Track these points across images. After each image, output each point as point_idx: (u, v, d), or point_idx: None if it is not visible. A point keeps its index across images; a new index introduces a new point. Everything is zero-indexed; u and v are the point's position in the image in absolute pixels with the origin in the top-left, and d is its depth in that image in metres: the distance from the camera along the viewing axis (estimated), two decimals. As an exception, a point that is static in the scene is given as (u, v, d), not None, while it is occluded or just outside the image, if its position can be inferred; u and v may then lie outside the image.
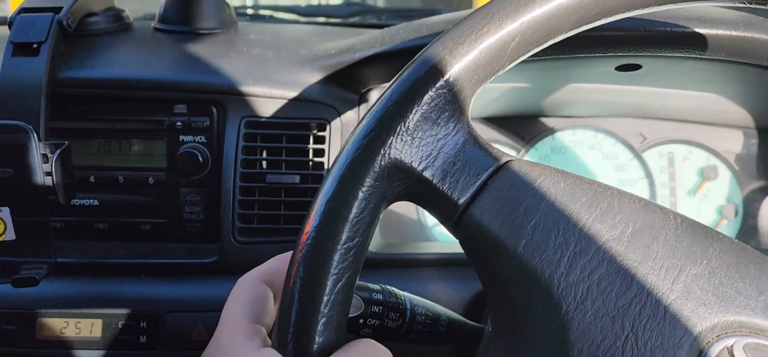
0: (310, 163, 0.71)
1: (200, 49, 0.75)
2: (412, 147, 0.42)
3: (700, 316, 0.41)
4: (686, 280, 0.41)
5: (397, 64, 0.69)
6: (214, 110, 0.71)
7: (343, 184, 0.41)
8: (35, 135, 0.61)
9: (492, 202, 0.42)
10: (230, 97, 0.71)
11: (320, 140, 0.71)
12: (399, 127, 0.42)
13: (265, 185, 0.70)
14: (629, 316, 0.40)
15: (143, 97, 0.71)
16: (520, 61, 0.45)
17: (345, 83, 0.73)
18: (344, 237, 0.41)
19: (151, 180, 0.72)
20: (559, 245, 0.41)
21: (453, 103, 0.43)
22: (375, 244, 0.73)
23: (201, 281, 0.70)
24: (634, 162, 0.83)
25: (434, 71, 0.42)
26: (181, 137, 0.71)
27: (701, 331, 0.40)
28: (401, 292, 0.55)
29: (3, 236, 0.63)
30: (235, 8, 0.95)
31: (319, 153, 0.71)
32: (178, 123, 0.71)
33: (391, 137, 0.42)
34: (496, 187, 0.43)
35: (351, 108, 0.73)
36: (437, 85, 0.42)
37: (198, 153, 0.70)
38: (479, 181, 0.43)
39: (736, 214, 0.82)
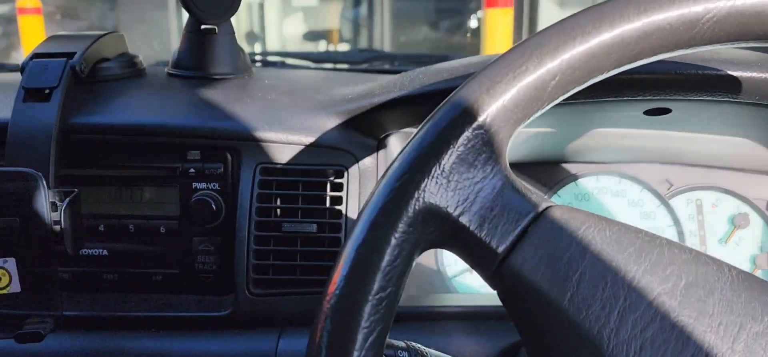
0: (327, 211, 0.68)
1: (214, 94, 0.73)
2: (447, 191, 0.39)
3: (763, 378, 0.37)
4: (747, 340, 0.38)
5: (417, 109, 0.68)
6: (229, 157, 0.69)
7: (375, 230, 0.39)
8: (44, 182, 0.59)
9: (533, 251, 0.39)
10: (245, 143, 0.68)
11: (338, 188, 0.69)
12: (434, 169, 0.39)
13: (281, 234, 0.67)
14: (686, 377, 0.37)
15: (156, 143, 0.69)
16: (558, 101, 0.43)
17: (363, 128, 0.70)
18: (376, 287, 0.38)
19: (162, 229, 0.69)
20: (607, 299, 0.38)
21: (490, 145, 0.40)
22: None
23: (214, 335, 0.67)
24: (662, 209, 0.80)
25: (471, 111, 0.40)
26: (195, 184, 0.69)
27: None
28: (427, 350, 0.52)
29: (8, 288, 0.60)
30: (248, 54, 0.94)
31: (337, 201, 0.68)
32: (192, 170, 0.68)
33: (426, 180, 0.39)
34: (537, 234, 0.40)
35: (369, 154, 0.70)
36: (474, 126, 0.40)
37: (212, 201, 0.67)
38: (519, 228, 0.40)
39: (771, 263, 0.79)
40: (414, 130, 0.72)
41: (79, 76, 0.69)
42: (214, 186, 0.69)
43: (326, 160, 0.69)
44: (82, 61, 0.69)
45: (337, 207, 0.68)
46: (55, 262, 0.60)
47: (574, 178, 0.81)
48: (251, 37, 5.11)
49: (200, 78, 0.79)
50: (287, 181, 0.68)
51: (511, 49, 0.42)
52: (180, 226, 0.69)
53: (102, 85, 0.75)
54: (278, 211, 0.68)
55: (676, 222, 0.80)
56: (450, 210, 0.40)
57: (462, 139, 0.40)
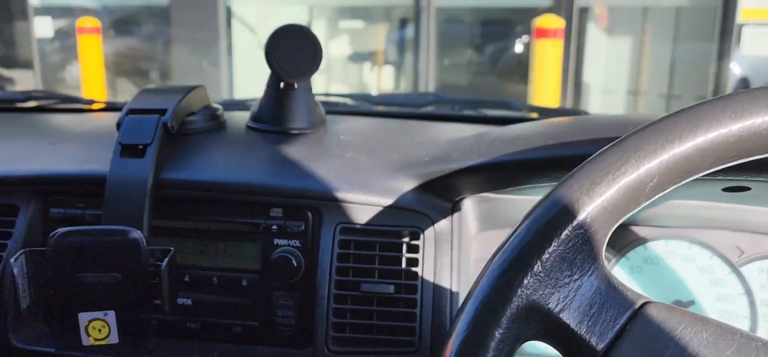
0: (403, 272, 0.70)
1: (295, 151, 0.76)
2: (548, 287, 0.41)
3: None
4: None
5: (494, 177, 0.69)
6: (310, 215, 0.71)
7: (480, 326, 0.41)
8: (144, 240, 0.62)
9: (632, 350, 0.40)
10: (326, 202, 0.71)
11: (414, 249, 0.71)
12: (536, 266, 0.41)
13: (359, 294, 0.69)
14: None
15: (241, 200, 0.72)
16: (655, 199, 0.44)
17: (438, 191, 0.72)
18: None
19: (244, 282, 0.72)
20: (706, 403, 0.39)
21: (589, 244, 0.42)
22: None
23: (292, 390, 0.69)
24: (732, 277, 0.80)
25: (571, 210, 0.41)
26: (276, 241, 0.71)
27: None
28: None
29: (107, 339, 0.64)
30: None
31: (413, 262, 0.70)
32: (274, 226, 0.71)
33: (528, 277, 0.41)
34: (635, 333, 0.41)
35: (444, 217, 0.72)
36: (574, 225, 0.41)
37: (292, 257, 0.70)
38: (618, 326, 0.41)
39: None
40: (489, 195, 0.73)
41: (169, 131, 0.73)
42: (294, 243, 0.71)
43: (402, 221, 0.71)
44: (172, 117, 0.73)
45: (414, 269, 0.70)
46: (149, 315, 0.64)
47: (643, 241, 0.82)
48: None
49: (279, 133, 0.82)
50: (365, 241, 0.71)
51: (608, 149, 0.43)
52: (261, 280, 0.72)
53: (188, 138, 0.78)
54: (356, 270, 0.70)
55: (748, 291, 0.79)
56: (551, 306, 0.41)
57: (563, 238, 0.41)
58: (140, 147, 0.70)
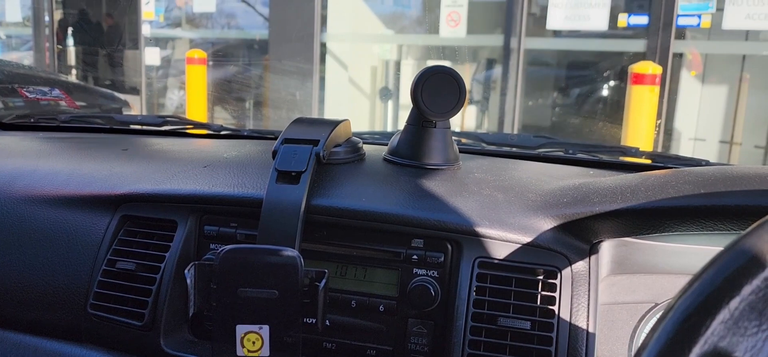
0: (538, 309, 0.71)
1: (434, 185, 0.79)
2: (736, 336, 0.41)
3: None
4: None
5: (638, 222, 0.69)
6: (449, 247, 0.74)
7: None
8: (301, 262, 0.66)
9: None
10: (465, 237, 0.73)
11: (551, 288, 0.72)
12: (723, 314, 0.41)
13: (495, 327, 0.71)
14: None
15: (383, 229, 0.75)
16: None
17: (576, 233, 0.73)
18: None
19: (381, 307, 0.75)
20: None
21: None
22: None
23: (429, 417, 0.71)
24: None
25: (762, 260, 0.42)
26: (415, 270, 0.74)
27: None
28: None
29: (259, 351, 0.68)
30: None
31: (549, 301, 0.71)
32: (414, 256, 0.74)
33: (715, 324, 0.41)
34: None
35: (582, 258, 0.73)
36: (764, 276, 0.42)
37: (430, 287, 0.73)
38: None
39: None
40: (629, 240, 0.74)
41: (320, 161, 0.77)
42: (433, 273, 0.74)
43: (540, 259, 0.73)
44: (324, 148, 0.78)
45: (550, 307, 0.71)
46: (300, 333, 0.68)
47: None
48: (385, 93, 5.31)
49: (415, 167, 0.85)
50: (502, 276, 0.72)
51: None
52: (397, 307, 0.75)
53: (334, 168, 0.83)
54: (492, 304, 0.72)
55: None
56: (738, 355, 0.41)
57: (752, 288, 0.42)
58: (294, 174, 0.75)
